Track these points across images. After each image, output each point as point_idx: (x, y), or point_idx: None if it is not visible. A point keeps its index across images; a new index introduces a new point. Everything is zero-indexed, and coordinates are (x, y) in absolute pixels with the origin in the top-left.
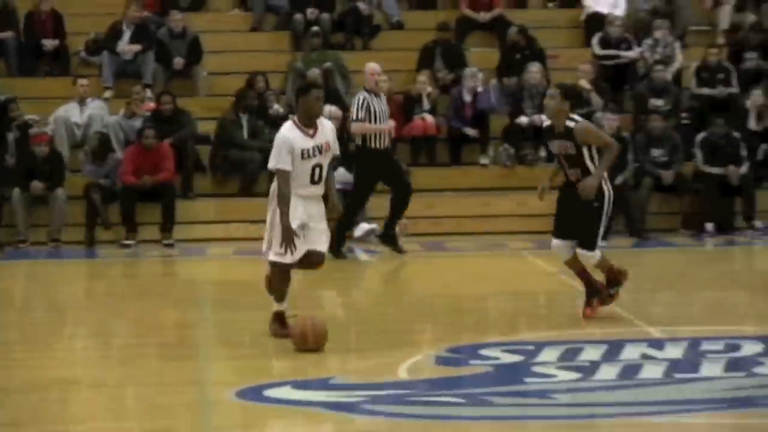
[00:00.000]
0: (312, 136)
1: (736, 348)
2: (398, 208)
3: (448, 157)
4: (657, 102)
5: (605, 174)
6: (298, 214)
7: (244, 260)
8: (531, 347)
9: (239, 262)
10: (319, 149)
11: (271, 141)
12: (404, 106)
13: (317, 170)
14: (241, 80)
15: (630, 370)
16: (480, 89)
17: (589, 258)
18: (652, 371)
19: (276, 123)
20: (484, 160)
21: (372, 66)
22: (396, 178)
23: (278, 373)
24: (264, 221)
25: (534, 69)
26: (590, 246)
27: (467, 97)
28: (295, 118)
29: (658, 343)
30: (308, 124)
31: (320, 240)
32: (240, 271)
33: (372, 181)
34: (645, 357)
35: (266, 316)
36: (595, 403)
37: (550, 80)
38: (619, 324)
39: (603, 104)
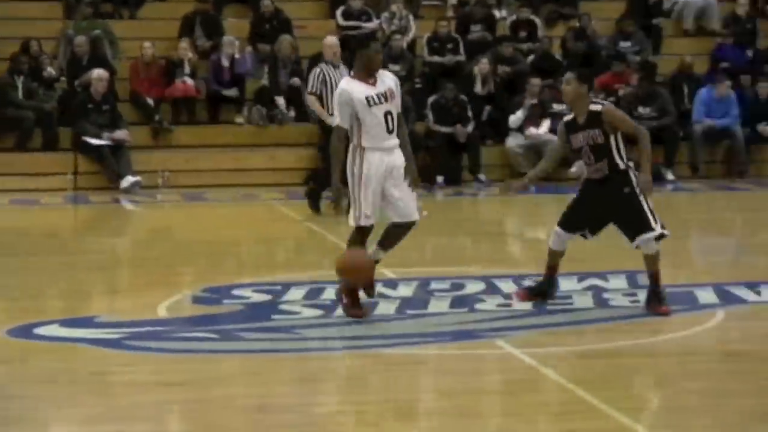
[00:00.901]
0: (372, 84)
1: (460, 287)
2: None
3: (207, 117)
4: (394, 67)
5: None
6: (381, 170)
7: (18, 209)
8: (279, 287)
9: (14, 212)
10: (384, 96)
11: (45, 101)
12: (166, 71)
13: (389, 118)
14: (15, 45)
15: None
16: (237, 55)
17: (651, 242)
18: (386, 308)
19: (50, 85)
20: (239, 120)
21: (330, 39)
22: None
23: (47, 313)
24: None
25: (284, 39)
26: (650, 227)
27: (225, 63)
28: (351, 73)
29: (391, 283)
30: (367, 75)
31: (410, 206)
32: (14, 219)
33: None
34: (380, 295)
35: (38, 261)
36: (335, 336)
37: (297, 48)
38: None
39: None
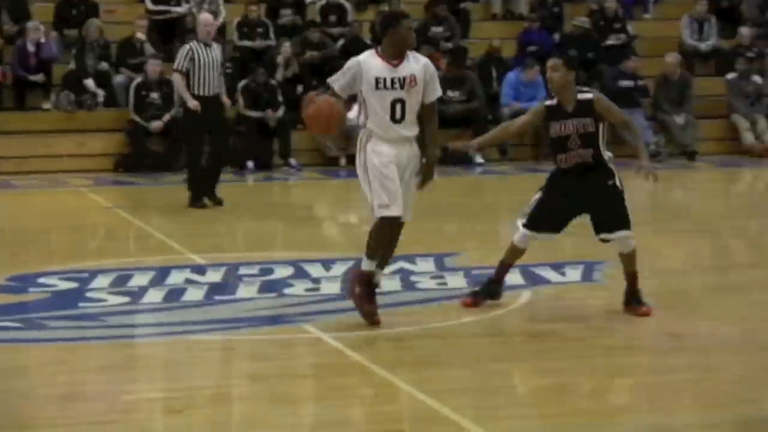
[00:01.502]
0: (395, 66)
1: (269, 272)
2: (216, 168)
3: (14, 103)
4: None
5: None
6: (389, 161)
7: None
8: (86, 275)
9: None
10: (401, 82)
11: None
12: None
13: (398, 107)
14: None
15: (174, 294)
16: (43, 40)
17: (629, 240)
18: (194, 294)
19: None
20: (46, 106)
21: (205, 17)
22: (216, 131)
23: None
24: None
25: (91, 23)
26: (629, 225)
27: (31, 48)
28: (379, 48)
29: (200, 269)
30: (394, 55)
31: (409, 204)
32: None
33: (201, 128)
34: (188, 281)
35: None
36: (142, 323)
37: (102, 31)
38: (166, 252)
39: (155, 54)
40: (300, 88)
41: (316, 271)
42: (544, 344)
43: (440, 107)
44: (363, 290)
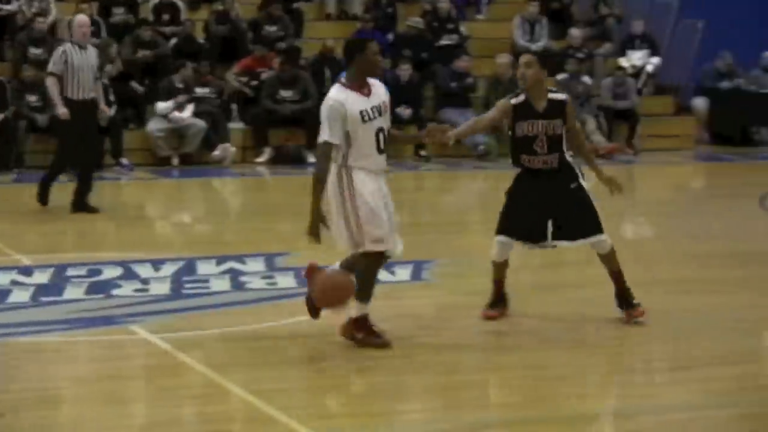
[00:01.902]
0: (366, 95)
1: (97, 273)
2: (86, 173)
3: None
4: (36, 51)
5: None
6: (377, 194)
7: None
8: None
9: None
10: (378, 110)
11: None
12: None
13: (381, 135)
14: None
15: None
16: None
17: (606, 242)
18: (20, 295)
19: None
20: None
21: (81, 18)
22: (89, 137)
23: None
24: None
25: None
26: (601, 228)
27: None
28: (342, 80)
29: (27, 270)
30: (362, 84)
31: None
32: None
33: (74, 132)
34: (14, 283)
35: None
36: None
37: None
38: None
39: None
40: (135, 85)
41: (145, 271)
42: None
43: (274, 107)
44: (365, 333)
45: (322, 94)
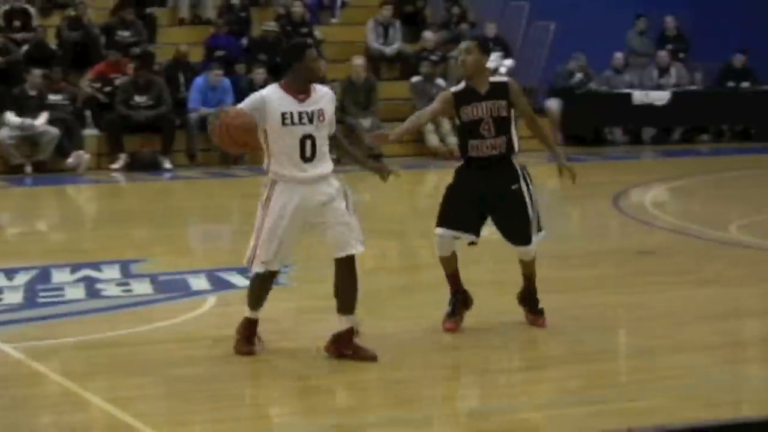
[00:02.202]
0: (301, 100)
1: None
2: None
3: None
4: None
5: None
6: (289, 208)
7: None
8: None
9: None
10: (309, 116)
11: None
12: None
13: (308, 143)
14: None
15: None
16: None
17: (531, 252)
18: None
19: None
20: None
21: None
22: None
23: None
24: None
25: None
26: (530, 239)
27: None
28: (282, 81)
29: None
30: (300, 89)
31: (340, 240)
32: None
33: None
34: None
35: None
36: None
37: None
38: None
39: None
40: None
41: None
42: (229, 349)
43: (128, 112)
44: (243, 335)
45: (177, 99)
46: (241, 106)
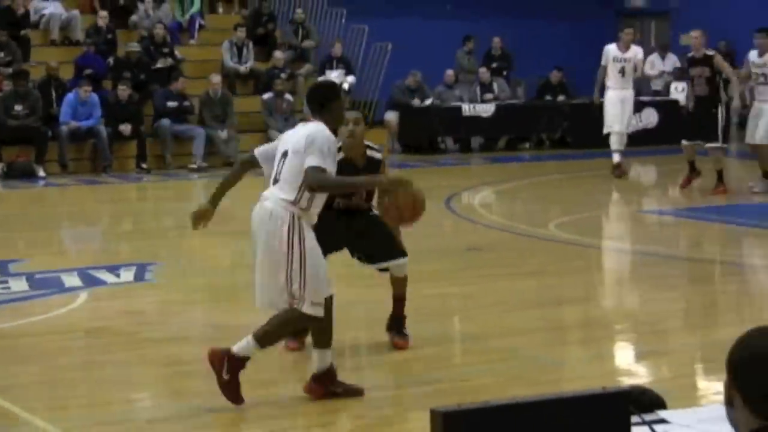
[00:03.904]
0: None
1: None
2: None
3: None
4: None
5: None
6: (315, 241)
7: None
8: None
9: None
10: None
11: None
12: None
13: None
14: None
15: None
16: None
17: (406, 265)
18: None
19: None
20: None
21: None
22: None
23: None
24: None
25: None
26: (404, 251)
27: None
28: (321, 122)
29: None
30: (334, 130)
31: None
32: None
33: None
34: None
35: None
36: None
37: None
38: None
39: None
40: None
41: None
42: (101, 339)
43: (8, 121)
44: (232, 382)
45: (49, 113)
46: (319, 148)
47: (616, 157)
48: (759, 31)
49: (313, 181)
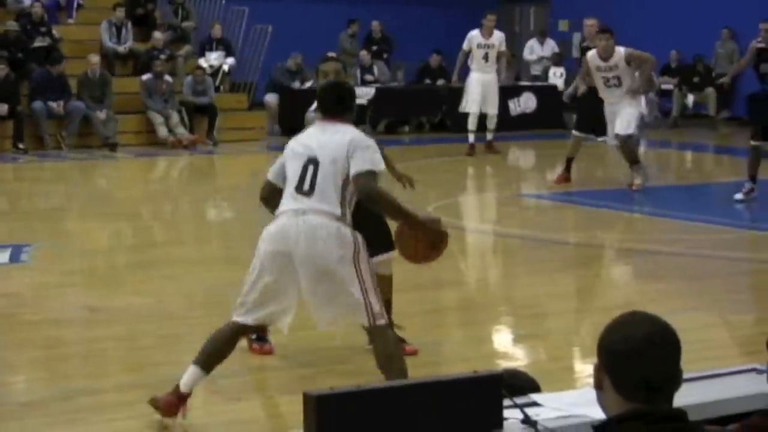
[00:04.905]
0: None
1: None
2: None
3: None
4: None
5: None
6: None
7: None
8: None
9: None
10: None
11: None
12: None
13: None
14: None
15: None
16: None
17: (391, 262)
18: None
19: None
20: None
21: None
22: None
23: None
24: None
25: None
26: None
27: None
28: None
29: None
30: None
31: None
32: None
33: None
34: None
35: None
36: None
37: None
38: None
39: None
40: None
41: None
42: None
43: None
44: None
45: None
46: (371, 151)
47: (471, 138)
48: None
49: (367, 188)
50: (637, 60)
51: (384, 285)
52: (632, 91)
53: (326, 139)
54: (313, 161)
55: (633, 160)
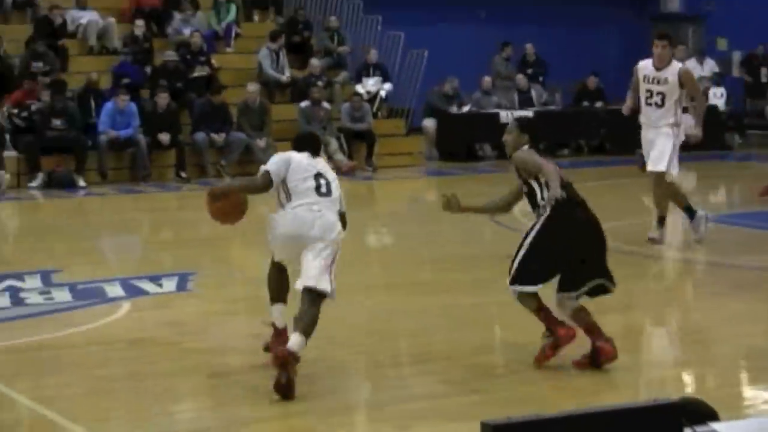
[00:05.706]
0: None
1: None
2: None
3: None
4: None
5: None
6: None
7: None
8: None
9: None
10: None
11: None
12: None
13: None
14: None
15: None
16: None
17: None
18: None
19: None
20: None
21: None
22: None
23: None
24: None
25: None
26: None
27: None
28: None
29: None
30: None
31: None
32: None
33: None
34: None
35: None
36: None
37: None
38: None
39: None
40: None
41: None
42: (143, 350)
43: (47, 134)
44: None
45: (88, 123)
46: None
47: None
48: None
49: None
50: (690, 85)
51: (583, 313)
52: (697, 115)
53: (323, 166)
54: (321, 175)
55: (683, 207)
